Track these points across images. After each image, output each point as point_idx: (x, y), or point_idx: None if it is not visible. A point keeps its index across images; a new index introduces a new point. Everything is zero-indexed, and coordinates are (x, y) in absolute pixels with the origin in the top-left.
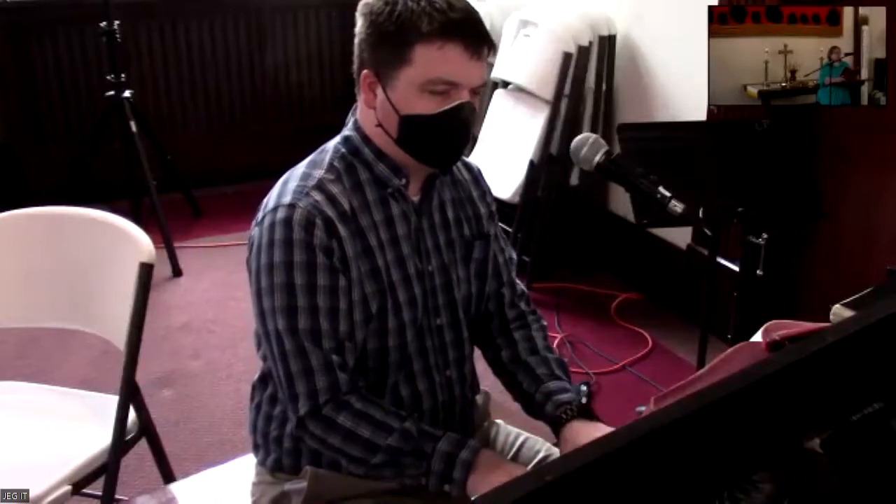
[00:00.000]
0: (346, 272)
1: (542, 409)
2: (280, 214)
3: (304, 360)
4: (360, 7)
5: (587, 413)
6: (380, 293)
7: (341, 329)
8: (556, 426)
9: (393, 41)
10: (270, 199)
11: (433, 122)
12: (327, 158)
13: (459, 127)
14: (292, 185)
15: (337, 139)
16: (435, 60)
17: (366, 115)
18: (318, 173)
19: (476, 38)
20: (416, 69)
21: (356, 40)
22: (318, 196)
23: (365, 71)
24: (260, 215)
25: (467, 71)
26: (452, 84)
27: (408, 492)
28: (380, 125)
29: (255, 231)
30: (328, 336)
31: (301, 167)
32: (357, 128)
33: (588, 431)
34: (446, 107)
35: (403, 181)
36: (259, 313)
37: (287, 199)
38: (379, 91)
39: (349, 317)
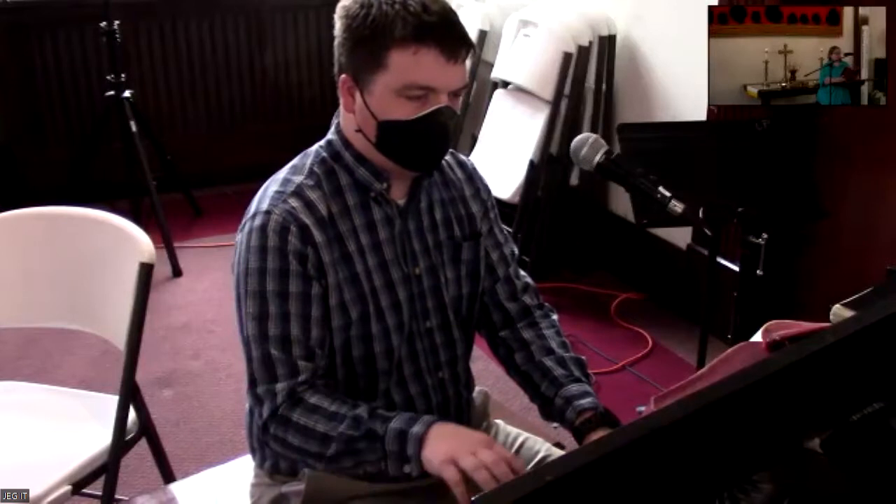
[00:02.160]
0: (323, 279)
1: (562, 413)
2: (257, 221)
3: (271, 367)
4: (337, 9)
5: (609, 420)
6: (360, 299)
7: (313, 336)
8: (578, 435)
9: (368, 46)
10: (252, 205)
11: (411, 128)
12: (308, 163)
13: (438, 131)
14: (272, 190)
15: (320, 143)
16: (409, 66)
17: (346, 120)
18: (298, 179)
19: (452, 42)
20: (391, 74)
21: (335, 43)
22: (295, 202)
23: (343, 75)
24: (243, 221)
25: (443, 75)
26: (429, 89)
27: (406, 493)
28: (359, 130)
29: (238, 237)
30: (298, 343)
31: (283, 172)
32: (339, 131)
33: None
34: (423, 112)
35: (385, 185)
36: (238, 319)
37: (265, 205)
38: (357, 96)
39: (322, 324)
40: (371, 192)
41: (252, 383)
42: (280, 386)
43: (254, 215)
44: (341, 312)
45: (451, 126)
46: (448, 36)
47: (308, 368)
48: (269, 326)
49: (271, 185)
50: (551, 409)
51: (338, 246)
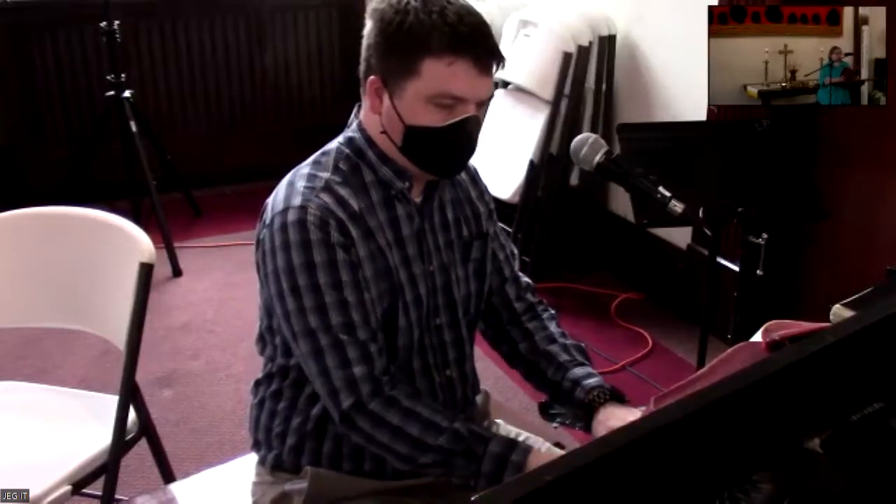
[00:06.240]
0: (361, 271)
1: (570, 395)
2: (292, 216)
3: (342, 352)
4: (369, 10)
5: (618, 396)
6: (390, 293)
7: (372, 319)
8: (589, 410)
9: (402, 52)
10: (277, 201)
11: (438, 135)
12: (331, 160)
13: (464, 140)
14: (300, 185)
15: (339, 140)
16: (443, 76)
17: (371, 120)
18: (325, 175)
19: (485, 54)
20: (423, 82)
21: (364, 43)
22: (327, 198)
23: (372, 77)
24: (268, 217)
25: (475, 87)
26: (459, 99)
27: (409, 492)
28: (385, 132)
29: (264, 233)
30: (362, 327)
31: (305, 168)
32: (361, 129)
33: (621, 415)
34: (452, 120)
35: (407, 185)
36: (284, 315)
37: (297, 200)
38: (385, 98)
39: (374, 307)
40: (392, 189)
41: (324, 373)
42: (359, 372)
43: (284, 210)
44: (377, 304)
45: (477, 135)
46: (482, 48)
47: (377, 349)
48: (330, 315)
49: (298, 181)
50: (559, 392)
51: (370, 240)
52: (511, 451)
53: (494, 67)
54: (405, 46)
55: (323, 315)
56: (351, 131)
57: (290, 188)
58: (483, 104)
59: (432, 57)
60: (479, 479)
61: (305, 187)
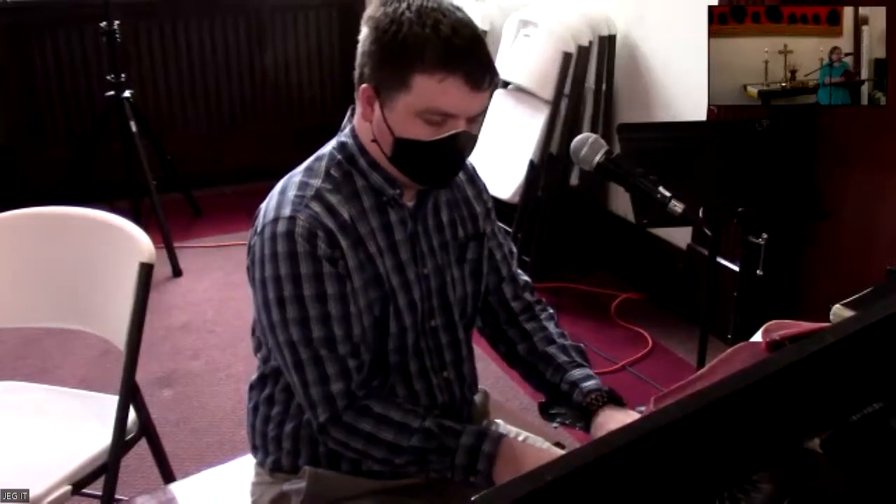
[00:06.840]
0: (350, 281)
1: (568, 397)
2: (281, 227)
3: (321, 367)
4: (365, 17)
5: (616, 399)
6: (381, 299)
7: (355, 332)
8: (587, 413)
9: (394, 64)
10: (269, 209)
11: (427, 148)
12: (323, 166)
13: (453, 154)
14: (291, 194)
15: (333, 144)
16: (434, 92)
17: (362, 127)
18: (316, 182)
19: (478, 70)
20: (414, 96)
21: (359, 49)
22: (317, 207)
23: (364, 85)
24: (259, 224)
25: (466, 103)
26: (449, 115)
27: (407, 492)
28: (375, 140)
29: (255, 240)
30: (343, 342)
31: (297, 175)
32: (354, 135)
33: (619, 418)
34: (441, 136)
35: (398, 191)
36: (269, 325)
37: (287, 210)
38: (376, 108)
39: (360, 319)
40: (384, 196)
41: (304, 385)
42: (336, 388)
43: (275, 220)
44: (367, 313)
45: (468, 150)
46: (475, 63)
47: (356, 364)
48: (312, 329)
49: (289, 189)
50: (557, 394)
51: (361, 249)
52: (482, 442)
53: (487, 83)
54: (397, 58)
55: (305, 328)
56: (344, 136)
57: (282, 196)
58: (475, 119)
59: (423, 72)
60: (455, 472)
61: (296, 196)
